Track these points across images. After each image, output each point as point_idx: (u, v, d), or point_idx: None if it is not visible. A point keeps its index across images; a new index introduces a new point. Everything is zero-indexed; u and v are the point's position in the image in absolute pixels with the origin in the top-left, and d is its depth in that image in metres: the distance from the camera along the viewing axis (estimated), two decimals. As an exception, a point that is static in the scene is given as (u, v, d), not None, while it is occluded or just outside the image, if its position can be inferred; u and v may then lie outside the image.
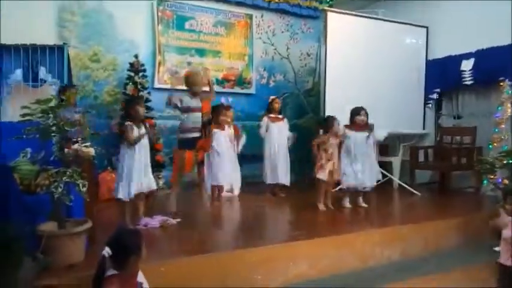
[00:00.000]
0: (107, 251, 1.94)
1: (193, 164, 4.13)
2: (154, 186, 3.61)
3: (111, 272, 1.96)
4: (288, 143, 5.24)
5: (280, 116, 5.31)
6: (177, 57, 5.99)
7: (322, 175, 4.12)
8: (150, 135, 3.67)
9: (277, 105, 5.26)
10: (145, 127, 3.54)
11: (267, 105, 5.32)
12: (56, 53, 4.69)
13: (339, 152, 4.33)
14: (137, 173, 3.39)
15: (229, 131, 4.79)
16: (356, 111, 4.32)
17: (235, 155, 4.96)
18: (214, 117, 4.63)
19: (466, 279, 3.07)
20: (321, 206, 4.17)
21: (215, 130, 4.55)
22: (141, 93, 5.26)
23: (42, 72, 4.70)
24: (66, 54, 4.75)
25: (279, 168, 5.13)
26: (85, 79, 5.40)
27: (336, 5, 6.81)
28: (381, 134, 4.70)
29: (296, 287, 2.86)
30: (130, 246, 2.01)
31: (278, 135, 5.18)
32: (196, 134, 4.10)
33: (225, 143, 4.66)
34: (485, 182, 4.79)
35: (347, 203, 4.40)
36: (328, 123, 4.27)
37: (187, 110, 4.06)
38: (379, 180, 4.64)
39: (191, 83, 4.13)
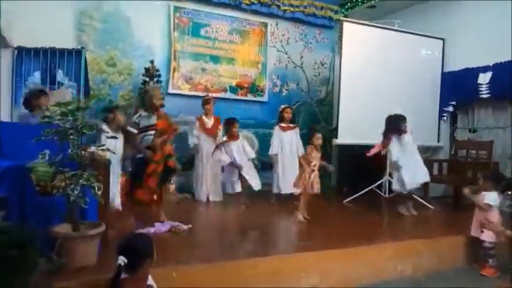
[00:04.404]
0: (122, 260, 1.94)
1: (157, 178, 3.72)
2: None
3: (122, 276, 1.97)
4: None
5: (291, 125, 5.31)
6: (192, 64, 6.04)
7: (302, 187, 4.14)
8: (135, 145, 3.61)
9: (287, 115, 5.27)
10: (129, 136, 3.54)
11: (278, 114, 5.33)
12: (74, 57, 4.79)
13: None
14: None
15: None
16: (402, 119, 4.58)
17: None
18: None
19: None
20: (300, 217, 4.16)
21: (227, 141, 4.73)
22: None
23: (60, 75, 4.79)
24: (83, 58, 4.84)
25: (288, 176, 5.10)
26: (101, 83, 5.48)
27: (351, 15, 6.81)
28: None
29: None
30: (145, 251, 2.02)
31: (288, 143, 5.19)
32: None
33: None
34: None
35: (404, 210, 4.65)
36: (310, 135, 4.35)
37: (144, 129, 3.73)
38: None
39: (150, 97, 3.81)
